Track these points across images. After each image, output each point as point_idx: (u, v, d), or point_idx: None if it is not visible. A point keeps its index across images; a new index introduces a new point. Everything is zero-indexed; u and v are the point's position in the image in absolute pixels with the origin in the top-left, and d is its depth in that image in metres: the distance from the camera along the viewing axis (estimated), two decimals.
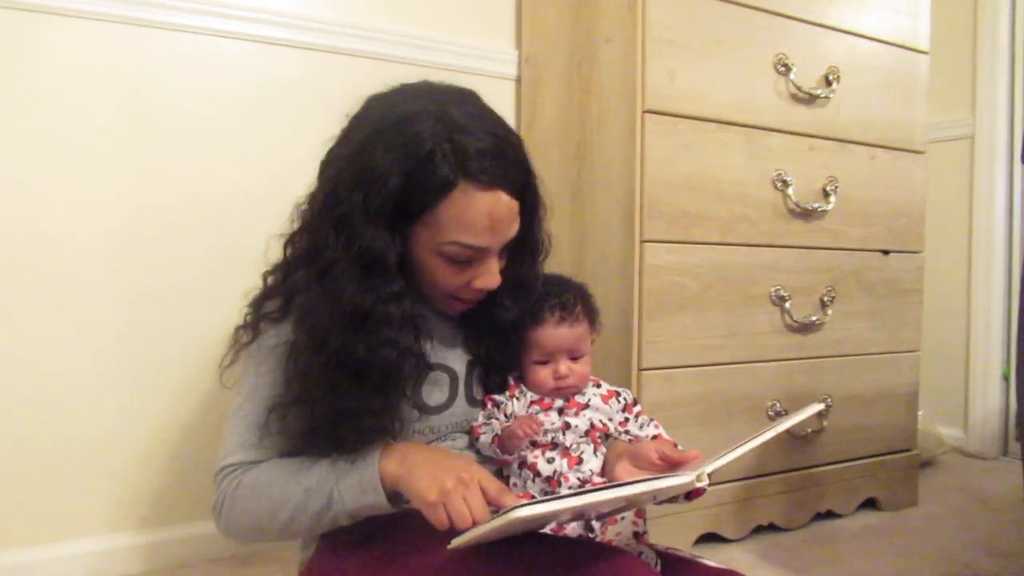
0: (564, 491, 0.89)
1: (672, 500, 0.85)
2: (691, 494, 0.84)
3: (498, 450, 0.91)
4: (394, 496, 0.82)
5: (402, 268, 0.88)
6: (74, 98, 1.35)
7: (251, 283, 1.00)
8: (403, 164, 0.83)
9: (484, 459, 0.95)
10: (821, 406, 0.84)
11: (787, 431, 1.58)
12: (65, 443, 1.36)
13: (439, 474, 0.78)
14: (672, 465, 0.83)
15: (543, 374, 0.95)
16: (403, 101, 0.88)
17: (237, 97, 1.48)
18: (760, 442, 0.76)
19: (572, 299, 0.97)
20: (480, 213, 0.84)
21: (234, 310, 1.00)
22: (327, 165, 0.92)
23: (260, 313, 0.94)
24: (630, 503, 0.79)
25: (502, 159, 0.86)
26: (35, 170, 1.33)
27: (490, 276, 0.90)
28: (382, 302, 0.84)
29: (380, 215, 0.84)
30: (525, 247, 0.97)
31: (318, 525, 0.84)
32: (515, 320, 0.97)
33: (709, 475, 0.70)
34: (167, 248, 1.43)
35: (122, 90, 1.38)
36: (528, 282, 0.98)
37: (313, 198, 0.92)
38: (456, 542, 0.72)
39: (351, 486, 0.82)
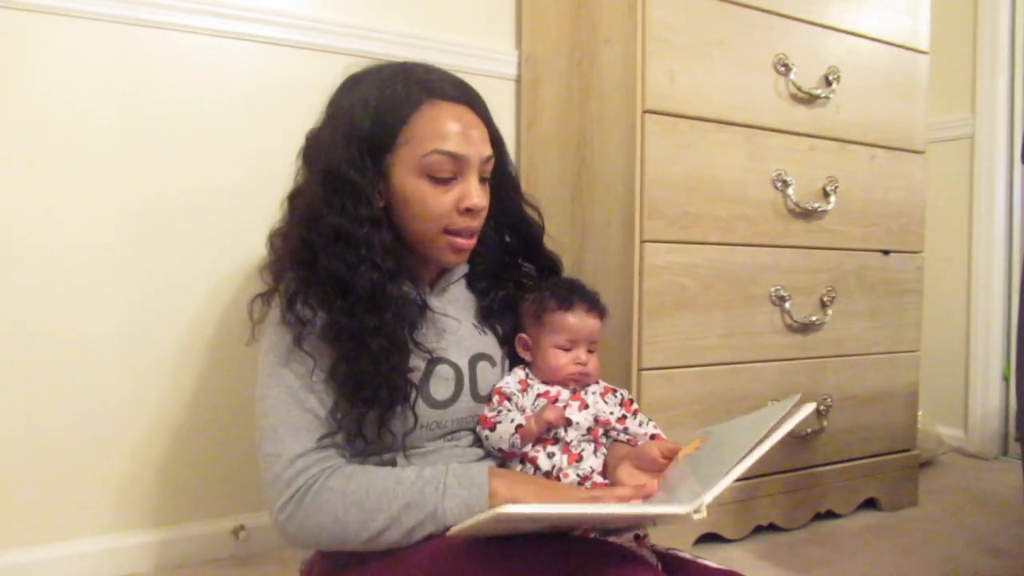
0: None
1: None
2: None
3: (519, 440, 0.92)
4: None
5: (391, 221, 0.94)
6: (74, 98, 1.35)
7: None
8: (374, 97, 0.92)
9: (488, 453, 0.96)
10: (812, 406, 0.83)
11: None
12: (64, 443, 1.36)
13: (547, 496, 0.82)
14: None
15: (564, 359, 0.97)
16: (370, 66, 0.99)
17: (237, 97, 1.48)
18: (756, 458, 0.73)
19: (594, 295, 1.02)
20: (451, 119, 0.92)
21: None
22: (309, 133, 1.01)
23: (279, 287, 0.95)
24: (628, 526, 0.79)
25: (464, 87, 0.97)
26: (36, 169, 1.33)
27: (477, 195, 0.94)
28: (360, 223, 0.89)
29: (357, 140, 0.90)
30: (506, 183, 1.04)
31: (407, 538, 0.82)
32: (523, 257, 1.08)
33: (707, 506, 0.68)
34: (167, 245, 1.43)
35: (122, 90, 1.38)
36: (518, 215, 1.07)
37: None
38: (454, 530, 0.72)
39: (457, 506, 0.82)
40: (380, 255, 0.89)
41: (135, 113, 1.40)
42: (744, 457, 0.73)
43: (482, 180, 0.96)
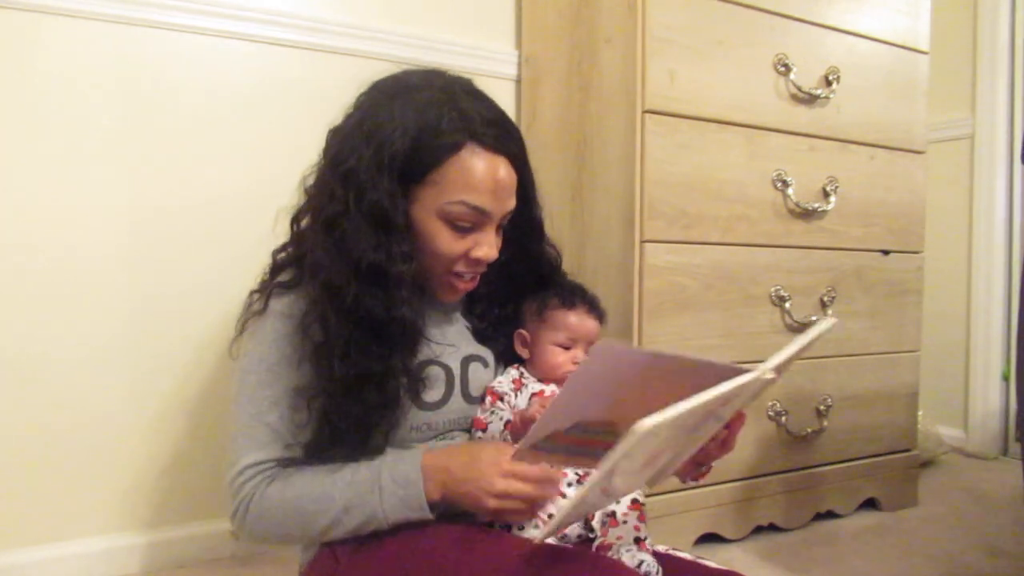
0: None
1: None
2: (696, 476, 0.90)
3: (509, 437, 0.92)
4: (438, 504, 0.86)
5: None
6: (74, 98, 1.35)
7: (252, 282, 1.00)
8: (413, 123, 0.87)
9: None
10: (834, 320, 0.85)
11: (787, 431, 1.59)
12: (65, 444, 1.36)
13: (480, 495, 0.82)
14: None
15: (562, 357, 0.98)
16: (409, 76, 0.93)
17: (237, 97, 1.48)
18: (808, 340, 0.76)
19: (595, 298, 1.03)
20: (485, 174, 0.88)
21: (235, 309, 1.00)
22: (334, 132, 0.94)
23: (272, 282, 0.94)
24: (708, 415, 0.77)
25: (504, 130, 0.91)
26: (35, 169, 1.33)
27: (489, 246, 0.92)
28: (394, 261, 0.86)
29: (391, 169, 0.86)
30: (529, 229, 1.01)
31: (354, 534, 0.85)
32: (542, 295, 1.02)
33: (776, 369, 0.71)
34: (167, 247, 1.43)
35: (122, 90, 1.38)
36: (536, 258, 1.03)
37: (319, 164, 0.94)
38: (540, 535, 0.73)
39: (395, 506, 0.83)
40: (410, 291, 0.88)
41: (134, 114, 1.39)
42: (797, 340, 0.76)
43: (498, 228, 0.95)
